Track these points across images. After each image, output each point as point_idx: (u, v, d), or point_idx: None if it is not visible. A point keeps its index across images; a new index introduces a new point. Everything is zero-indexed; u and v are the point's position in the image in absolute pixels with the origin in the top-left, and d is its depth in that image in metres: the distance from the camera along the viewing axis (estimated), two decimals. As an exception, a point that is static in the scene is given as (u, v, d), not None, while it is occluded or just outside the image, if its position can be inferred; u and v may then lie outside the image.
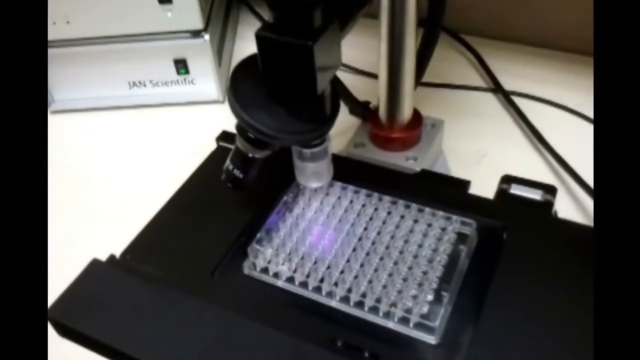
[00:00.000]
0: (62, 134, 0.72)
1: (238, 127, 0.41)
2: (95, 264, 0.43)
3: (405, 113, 0.54)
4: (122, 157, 0.69)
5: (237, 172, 0.42)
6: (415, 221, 0.45)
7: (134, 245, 0.46)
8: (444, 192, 0.47)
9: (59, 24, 0.67)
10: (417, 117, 0.56)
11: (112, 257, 0.44)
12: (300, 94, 0.38)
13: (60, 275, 0.41)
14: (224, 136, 0.54)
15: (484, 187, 0.47)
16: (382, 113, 0.55)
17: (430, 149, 0.55)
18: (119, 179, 0.65)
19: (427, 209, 0.45)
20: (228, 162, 0.43)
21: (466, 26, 0.76)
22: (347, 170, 0.48)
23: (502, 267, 0.41)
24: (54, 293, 0.40)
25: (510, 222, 0.44)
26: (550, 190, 0.45)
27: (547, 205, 0.45)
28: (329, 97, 0.40)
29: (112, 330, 0.39)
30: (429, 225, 0.44)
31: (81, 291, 0.41)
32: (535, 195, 0.45)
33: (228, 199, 0.48)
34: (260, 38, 0.36)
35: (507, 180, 0.47)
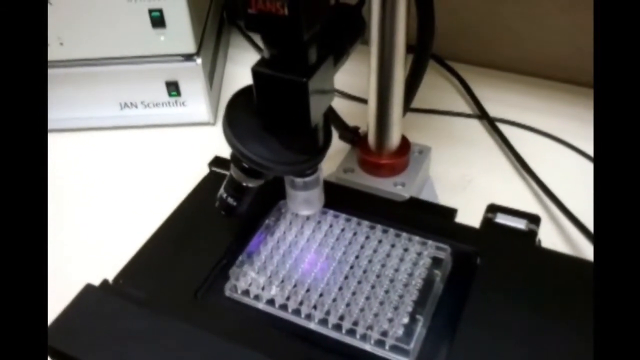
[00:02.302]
0: (53, 153, 0.73)
1: (233, 156, 0.42)
2: (88, 289, 0.43)
3: (394, 140, 0.56)
4: (112, 177, 0.69)
5: (231, 200, 0.43)
6: (393, 246, 0.46)
7: (126, 270, 0.46)
8: (425, 219, 0.49)
9: (53, 45, 0.68)
10: (405, 143, 0.57)
11: (105, 282, 0.45)
12: (295, 127, 0.39)
13: (50, 298, 0.42)
14: (217, 161, 0.54)
15: (471, 212, 0.49)
16: (371, 140, 0.56)
17: (418, 175, 0.57)
18: (108, 200, 0.66)
19: (404, 234, 0.47)
20: (222, 190, 0.44)
21: (452, 53, 0.77)
22: (333, 196, 0.49)
23: (475, 291, 0.43)
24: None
25: (485, 248, 0.45)
26: (534, 219, 0.47)
27: (531, 234, 0.46)
28: (322, 129, 0.41)
29: (106, 356, 0.40)
30: (406, 249, 0.46)
31: (75, 316, 0.42)
32: (520, 224, 0.46)
33: (218, 224, 0.49)
34: (256, 73, 0.38)
35: (493, 209, 0.48)
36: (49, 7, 0.65)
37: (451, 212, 0.49)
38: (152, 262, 0.47)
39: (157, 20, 0.66)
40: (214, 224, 0.49)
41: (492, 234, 0.47)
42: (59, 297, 0.42)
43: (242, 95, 0.42)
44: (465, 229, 0.47)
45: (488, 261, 0.45)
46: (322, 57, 0.38)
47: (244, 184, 0.43)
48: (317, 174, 0.44)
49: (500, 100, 0.72)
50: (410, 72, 0.54)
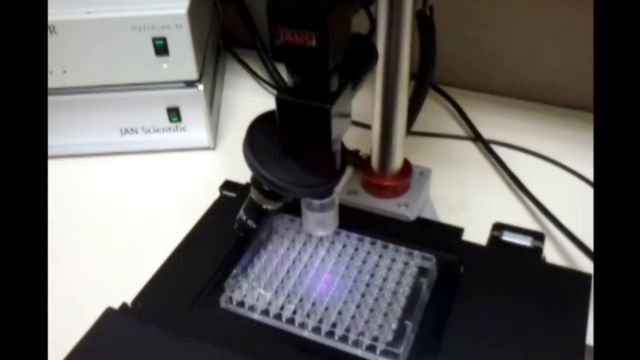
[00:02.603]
0: (53, 179, 0.73)
1: (253, 179, 0.43)
2: (108, 313, 0.44)
3: (397, 162, 0.58)
4: (112, 202, 0.69)
5: (250, 223, 0.45)
6: (380, 256, 0.49)
7: (143, 293, 0.47)
8: (432, 238, 0.51)
9: (56, 73, 0.69)
10: (407, 166, 0.59)
11: (124, 305, 0.45)
12: (315, 151, 0.41)
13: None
14: (227, 185, 0.56)
15: (469, 231, 0.51)
16: (375, 162, 0.58)
17: (420, 196, 0.59)
18: (110, 224, 0.66)
19: (391, 245, 0.50)
20: (241, 212, 0.45)
21: (446, 78, 0.80)
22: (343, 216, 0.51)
23: (459, 297, 0.45)
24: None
25: (468, 258, 0.48)
26: (538, 237, 0.49)
27: (537, 250, 0.48)
28: (339, 153, 0.43)
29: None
30: (393, 260, 0.49)
31: (97, 340, 0.42)
32: (526, 241, 0.48)
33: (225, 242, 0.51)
34: (279, 101, 0.39)
35: (499, 227, 0.50)
36: (54, 36, 0.66)
37: (458, 231, 0.51)
38: (170, 285, 0.48)
39: (161, 48, 0.67)
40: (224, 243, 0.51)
41: (466, 245, 0.50)
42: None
43: (261, 121, 0.43)
44: (474, 247, 0.49)
45: (470, 270, 0.48)
46: (342, 84, 0.40)
47: (264, 207, 0.44)
48: (333, 197, 0.45)
49: (493, 122, 0.75)
50: (412, 97, 0.57)
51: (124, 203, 0.69)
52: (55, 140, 0.75)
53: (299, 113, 0.39)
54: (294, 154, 0.42)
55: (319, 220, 0.46)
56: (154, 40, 0.67)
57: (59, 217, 0.67)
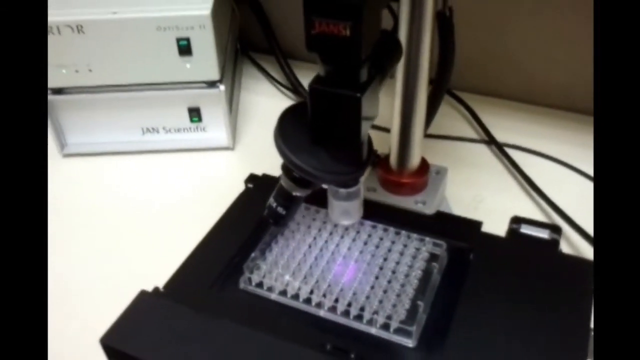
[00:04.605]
0: (74, 177, 0.75)
1: (284, 167, 0.45)
2: (142, 295, 0.46)
3: (415, 160, 0.60)
4: (133, 200, 0.71)
5: (280, 209, 0.46)
6: (393, 242, 0.51)
7: (173, 279, 0.49)
8: (453, 229, 0.53)
9: (82, 72, 0.71)
10: (424, 164, 0.61)
11: (156, 289, 0.47)
12: (345, 140, 0.42)
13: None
14: (252, 178, 0.58)
15: (485, 228, 0.53)
16: (393, 160, 0.60)
17: (437, 194, 0.60)
18: (130, 221, 0.68)
19: (403, 232, 0.51)
20: (271, 199, 0.47)
21: (459, 83, 0.82)
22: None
23: (468, 281, 0.47)
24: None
25: (484, 247, 0.50)
26: (556, 229, 0.50)
27: (554, 243, 0.50)
28: (366, 144, 0.45)
29: (164, 354, 0.42)
30: (405, 246, 0.51)
31: (132, 319, 0.44)
32: (543, 234, 0.50)
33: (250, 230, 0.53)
34: (312, 89, 0.41)
35: (517, 221, 0.52)
36: (81, 35, 0.68)
37: (477, 225, 0.52)
38: (198, 272, 0.49)
39: (185, 48, 0.69)
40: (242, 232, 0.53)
41: (515, 242, 0.51)
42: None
43: (291, 112, 0.45)
44: (491, 237, 0.51)
45: (479, 256, 0.49)
46: (371, 76, 0.41)
47: (293, 194, 0.46)
48: (359, 186, 0.47)
49: (506, 127, 0.77)
50: (429, 96, 0.58)
51: (145, 200, 0.71)
52: (77, 138, 0.77)
53: (330, 101, 0.41)
54: (323, 143, 0.43)
55: (344, 210, 0.48)
56: (178, 40, 0.69)
57: (79, 213, 0.69)
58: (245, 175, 0.59)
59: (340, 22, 0.37)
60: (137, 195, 0.71)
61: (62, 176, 0.74)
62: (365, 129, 0.43)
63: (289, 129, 0.44)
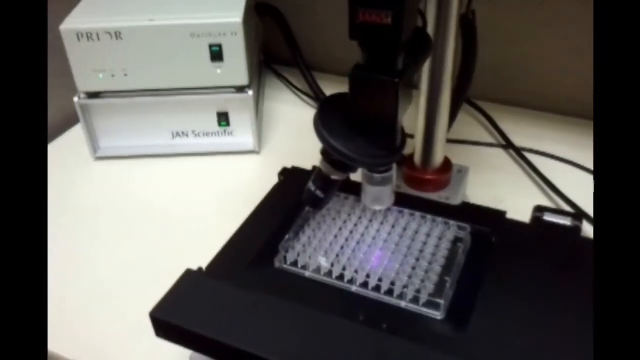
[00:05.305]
0: (106, 179, 0.78)
1: (323, 151, 0.48)
2: (188, 274, 0.48)
3: (438, 158, 0.62)
4: (162, 202, 0.73)
5: (318, 193, 0.49)
6: (419, 226, 0.54)
7: (214, 262, 0.51)
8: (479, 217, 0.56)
9: (117, 76, 0.74)
10: (447, 162, 0.64)
11: (200, 269, 0.49)
12: (382, 125, 0.45)
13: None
14: (284, 172, 0.61)
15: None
16: (418, 158, 0.63)
17: (460, 190, 0.63)
18: (161, 221, 0.70)
19: (429, 216, 0.55)
20: (310, 184, 0.49)
21: (476, 91, 0.85)
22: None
23: (492, 262, 0.50)
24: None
25: (506, 231, 0.53)
26: (577, 217, 0.53)
27: (577, 229, 0.52)
28: (400, 130, 0.47)
29: (211, 326, 0.44)
30: (431, 229, 0.54)
31: (179, 295, 0.46)
32: (566, 221, 0.52)
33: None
34: (353, 75, 0.44)
35: (540, 209, 0.54)
36: (119, 42, 0.71)
37: (502, 214, 0.55)
38: (237, 255, 0.52)
39: (217, 54, 0.73)
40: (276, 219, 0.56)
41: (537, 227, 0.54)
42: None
43: (330, 100, 0.48)
44: (515, 223, 0.53)
45: (501, 239, 0.52)
46: (407, 65, 0.44)
47: (332, 177, 0.48)
48: (392, 172, 0.49)
49: (523, 133, 0.80)
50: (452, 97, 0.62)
51: (174, 202, 0.73)
52: (109, 142, 0.80)
53: (370, 87, 0.44)
54: (361, 128, 0.46)
55: (377, 195, 0.50)
56: (211, 46, 0.72)
57: (111, 215, 0.71)
58: (271, 177, 0.63)
59: (383, 11, 0.40)
60: (167, 197, 0.74)
61: (95, 179, 0.77)
62: (402, 115, 0.46)
63: (328, 116, 0.47)
